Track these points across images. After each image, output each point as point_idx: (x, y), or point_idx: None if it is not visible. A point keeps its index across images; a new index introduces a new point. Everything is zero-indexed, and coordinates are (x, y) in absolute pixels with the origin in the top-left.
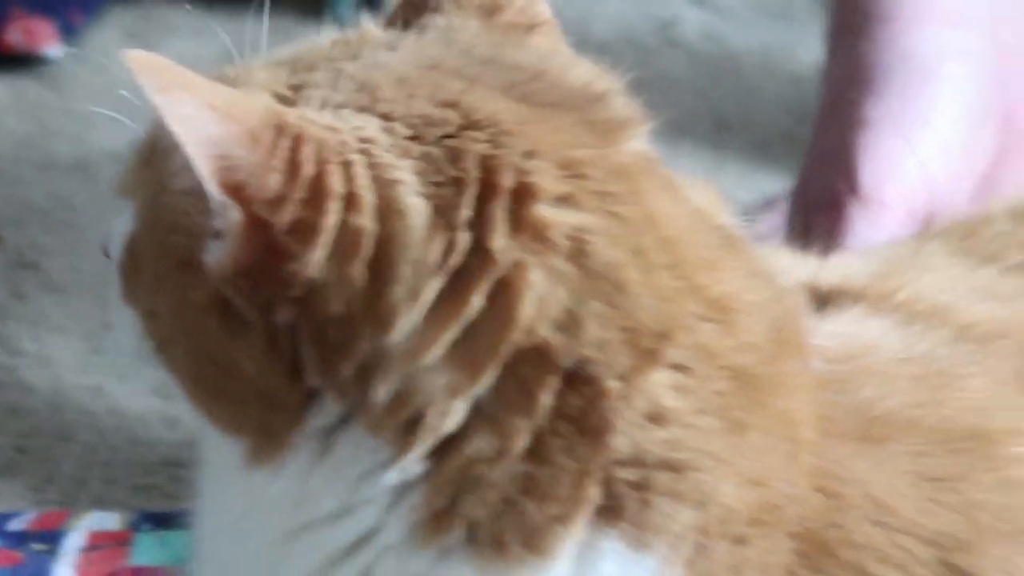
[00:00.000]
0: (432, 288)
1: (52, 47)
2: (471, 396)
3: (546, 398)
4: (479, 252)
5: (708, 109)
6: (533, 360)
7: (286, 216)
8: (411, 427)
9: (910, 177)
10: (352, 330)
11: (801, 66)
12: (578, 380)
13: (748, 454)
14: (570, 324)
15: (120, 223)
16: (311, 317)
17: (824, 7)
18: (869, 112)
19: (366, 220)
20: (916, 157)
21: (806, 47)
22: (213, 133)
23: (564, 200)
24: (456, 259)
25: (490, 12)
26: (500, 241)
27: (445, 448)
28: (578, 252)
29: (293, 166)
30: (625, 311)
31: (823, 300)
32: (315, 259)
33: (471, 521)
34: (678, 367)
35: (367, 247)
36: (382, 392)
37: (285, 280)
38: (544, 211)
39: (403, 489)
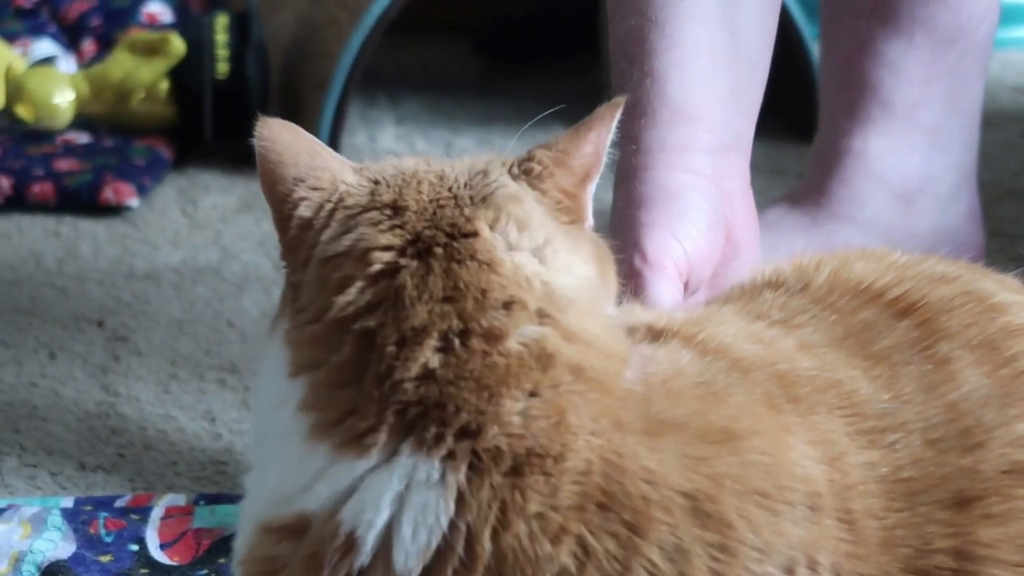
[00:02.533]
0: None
1: (132, 199)
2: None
3: (348, 349)
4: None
5: None
6: (342, 327)
7: (297, 215)
8: (291, 339)
9: (677, 253)
10: (292, 292)
11: (603, 205)
12: (371, 342)
13: (505, 415)
14: (368, 309)
15: None
16: (295, 279)
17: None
18: (645, 218)
19: (310, 233)
20: (679, 243)
21: (605, 194)
22: (274, 162)
23: (396, 249)
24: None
25: (526, 171)
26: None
27: (304, 370)
28: (388, 277)
29: (291, 191)
30: (400, 312)
31: (656, 334)
32: (294, 239)
33: (319, 422)
34: (443, 349)
35: (308, 247)
36: (280, 332)
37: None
38: (376, 253)
39: (294, 385)
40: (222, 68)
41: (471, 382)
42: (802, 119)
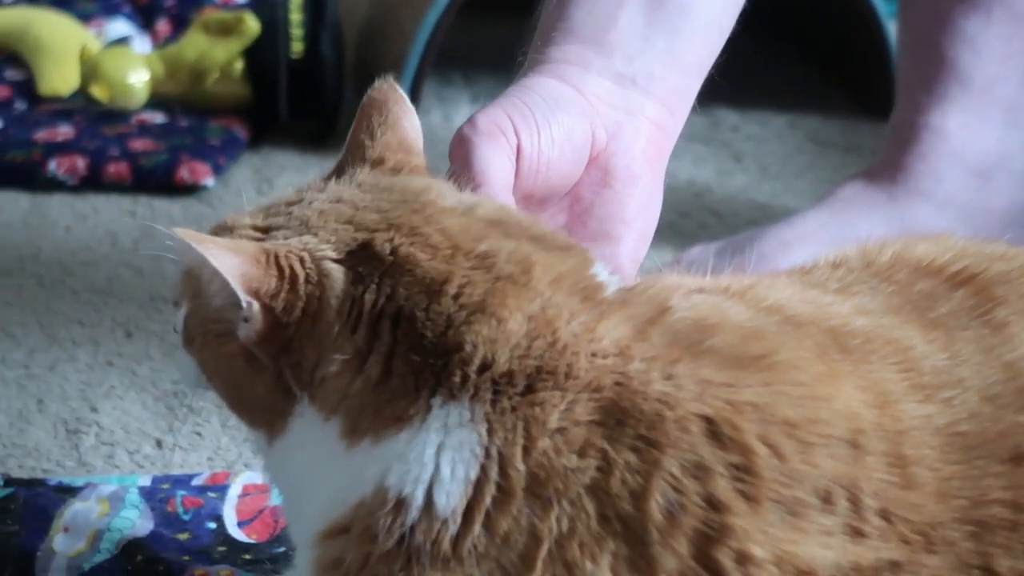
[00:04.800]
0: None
1: (207, 179)
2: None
3: (385, 338)
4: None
5: None
6: (373, 330)
7: (280, 299)
8: (328, 398)
9: (508, 129)
10: (309, 356)
11: (679, 181)
12: (397, 321)
13: (513, 338)
14: (389, 294)
15: (179, 315)
16: (295, 359)
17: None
18: (488, 105)
19: (312, 287)
20: (511, 122)
21: (682, 170)
22: (235, 262)
23: (385, 240)
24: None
25: (377, 163)
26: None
27: (343, 396)
28: (397, 268)
29: (279, 269)
30: (418, 274)
31: (700, 292)
32: (296, 318)
33: (357, 431)
34: (457, 296)
35: (314, 303)
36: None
37: (283, 339)
38: (378, 244)
39: (330, 425)
40: (296, 47)
41: (479, 314)
42: (877, 97)
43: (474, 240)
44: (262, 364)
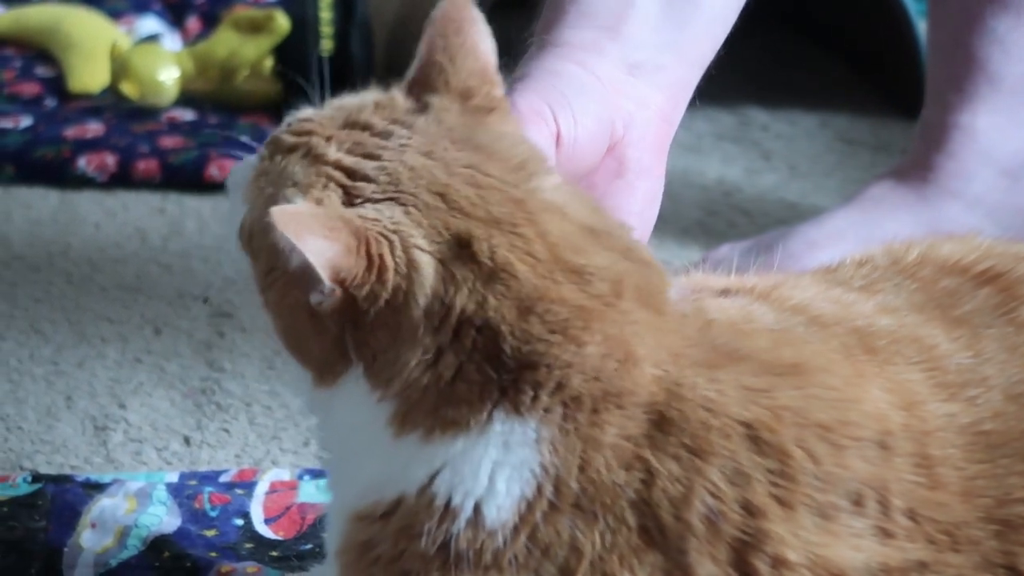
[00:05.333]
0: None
1: None
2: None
3: (468, 340)
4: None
5: None
6: (460, 330)
7: (365, 288)
8: (389, 382)
9: (547, 114)
10: (380, 339)
11: (708, 180)
12: (489, 331)
13: (589, 362)
14: (480, 302)
15: (238, 194)
16: (363, 336)
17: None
18: (518, 86)
19: (400, 279)
20: (550, 108)
21: (711, 168)
22: (328, 255)
23: (484, 239)
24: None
25: (466, 97)
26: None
27: (405, 385)
28: (492, 258)
29: (368, 258)
30: (513, 287)
31: (725, 292)
32: (377, 308)
33: (407, 423)
34: (545, 314)
35: (400, 296)
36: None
37: (356, 317)
38: (477, 244)
39: (381, 406)
40: (326, 45)
41: (561, 336)
42: (907, 96)
43: (573, 252)
44: (326, 326)
